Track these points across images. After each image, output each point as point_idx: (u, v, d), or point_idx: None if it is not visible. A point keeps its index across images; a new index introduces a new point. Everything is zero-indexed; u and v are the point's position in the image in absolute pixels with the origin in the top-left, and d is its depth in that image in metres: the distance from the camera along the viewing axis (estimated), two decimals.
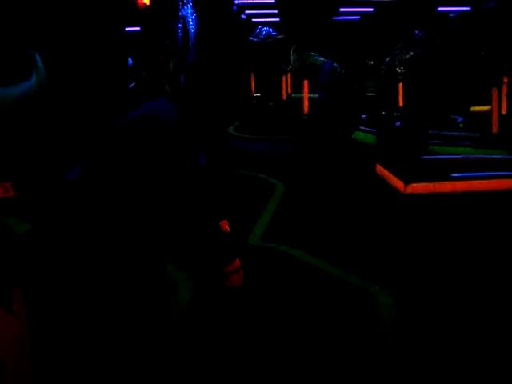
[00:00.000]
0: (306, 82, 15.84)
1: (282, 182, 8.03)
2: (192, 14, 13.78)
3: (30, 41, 3.99)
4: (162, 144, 2.27)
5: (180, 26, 12.83)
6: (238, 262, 2.49)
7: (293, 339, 3.70)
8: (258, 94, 18.51)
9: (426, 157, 8.93)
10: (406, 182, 7.47)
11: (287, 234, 5.79)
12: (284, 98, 18.22)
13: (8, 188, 2.28)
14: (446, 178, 7.57)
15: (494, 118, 10.98)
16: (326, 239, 5.66)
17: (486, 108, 11.70)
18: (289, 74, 18.73)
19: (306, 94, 15.86)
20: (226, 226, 2.79)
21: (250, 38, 19.27)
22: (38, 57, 3.00)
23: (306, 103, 15.80)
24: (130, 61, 12.97)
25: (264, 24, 20.17)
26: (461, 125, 12.01)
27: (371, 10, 21.29)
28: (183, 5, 13.10)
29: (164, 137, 2.29)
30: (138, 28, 12.46)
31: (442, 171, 7.78)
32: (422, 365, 3.38)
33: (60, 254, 2.18)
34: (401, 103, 14.75)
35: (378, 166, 8.54)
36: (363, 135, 11.58)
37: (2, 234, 2.14)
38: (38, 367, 2.35)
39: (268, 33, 19.34)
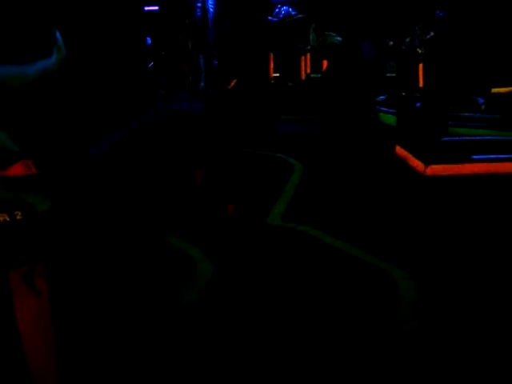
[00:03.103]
0: (325, 62, 15.71)
1: (301, 162, 8.00)
2: None
3: (51, 19, 3.97)
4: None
5: (199, 5, 12.75)
6: None
7: (312, 318, 3.69)
8: (277, 74, 18.40)
9: (447, 138, 8.84)
10: (426, 164, 7.41)
11: (307, 214, 5.77)
12: (303, 77, 18.10)
13: (30, 165, 2.28)
14: (467, 159, 7.50)
15: None
16: (345, 219, 5.63)
17: (508, 89, 11.55)
18: (308, 54, 18.59)
19: None
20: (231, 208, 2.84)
21: (269, 18, 19.13)
22: (58, 35, 2.98)
23: None
24: (149, 40, 12.94)
25: (283, 3, 19.99)
26: (482, 106, 11.86)
27: None
28: None
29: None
30: (156, 7, 12.41)
31: (462, 153, 7.70)
32: (441, 350, 3.36)
33: (81, 231, 2.18)
34: (421, 84, 14.59)
35: (397, 147, 8.48)
36: (383, 116, 11.50)
37: (25, 212, 2.14)
38: (59, 343, 2.36)
39: (287, 12, 19.18)
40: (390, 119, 11.13)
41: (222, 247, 4.93)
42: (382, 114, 11.62)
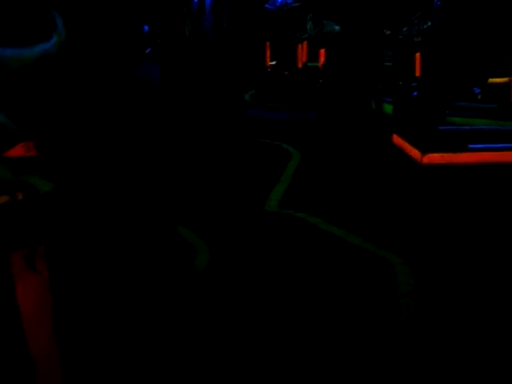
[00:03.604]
0: (322, 51, 15.68)
1: (298, 149, 8.00)
2: None
3: (50, 2, 3.95)
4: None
5: None
6: None
7: (309, 302, 3.70)
8: (274, 63, 18.36)
9: (444, 127, 8.85)
10: (423, 152, 7.42)
11: (304, 202, 5.78)
12: (300, 66, 18.06)
13: (30, 147, 2.27)
14: (464, 148, 7.50)
15: None
16: (342, 207, 5.64)
17: (505, 80, 11.56)
18: (305, 43, 18.54)
19: (322, 63, 15.69)
20: None
21: (266, 6, 19.06)
22: (58, 18, 2.98)
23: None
24: (146, 27, 12.89)
25: None
26: (479, 96, 11.88)
27: None
28: None
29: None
30: None
31: (459, 142, 7.71)
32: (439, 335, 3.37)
33: (83, 213, 2.17)
34: (418, 73, 14.58)
35: (394, 135, 8.48)
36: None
37: (26, 193, 2.13)
38: (60, 326, 2.36)
39: (284, 0, 19.12)
40: (387, 108, 11.12)
41: (219, 234, 4.93)
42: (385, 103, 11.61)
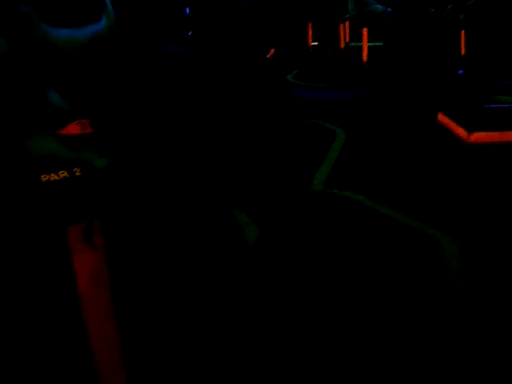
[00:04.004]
0: (365, 30, 15.53)
1: (343, 129, 7.96)
2: None
3: None
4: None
5: None
6: None
7: (357, 281, 3.72)
8: (316, 43, 18.25)
9: (491, 105, 8.71)
10: (470, 131, 7.32)
11: (349, 181, 5.77)
12: (342, 46, 17.93)
13: (86, 124, 2.32)
14: (511, 127, 7.39)
15: None
16: (388, 187, 5.62)
17: None
18: (347, 23, 18.38)
19: (365, 43, 15.56)
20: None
21: None
22: (108, 1, 3.02)
23: (365, 52, 15.51)
24: (188, 10, 12.92)
25: None
26: None
27: None
28: None
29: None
30: None
31: (507, 120, 7.60)
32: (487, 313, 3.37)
33: (138, 188, 2.22)
34: (463, 51, 14.37)
35: (440, 114, 8.39)
36: None
37: (83, 169, 2.18)
38: (117, 301, 2.41)
39: None
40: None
41: (267, 213, 4.97)
42: None
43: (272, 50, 13.28)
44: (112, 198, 2.26)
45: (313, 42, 18.37)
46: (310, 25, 18.34)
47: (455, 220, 4.70)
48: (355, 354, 3.04)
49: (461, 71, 11.72)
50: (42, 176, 2.16)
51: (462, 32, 14.51)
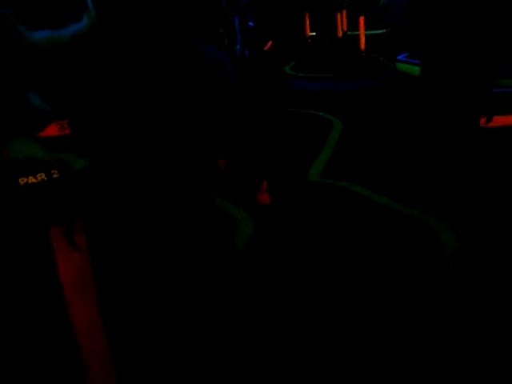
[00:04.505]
0: (362, 19, 15.49)
1: (340, 119, 7.93)
2: None
3: None
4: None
5: None
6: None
7: (358, 266, 3.70)
8: (313, 33, 18.21)
9: (498, 89, 8.65)
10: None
11: (346, 172, 5.74)
12: (340, 35, 17.88)
13: (64, 126, 2.30)
14: None
15: None
16: (387, 176, 5.58)
17: None
18: (344, 12, 18.33)
19: (362, 31, 15.51)
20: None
21: None
22: (89, 0, 3.00)
23: (362, 40, 15.47)
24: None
25: None
26: None
27: None
28: None
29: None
30: None
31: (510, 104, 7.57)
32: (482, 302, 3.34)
33: (118, 188, 2.20)
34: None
35: None
36: (406, 67, 11.25)
37: (61, 170, 2.17)
38: (102, 300, 2.40)
39: None
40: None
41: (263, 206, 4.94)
42: (405, 64, 11.36)
43: (270, 42, 13.25)
44: (92, 199, 2.24)
45: (310, 32, 18.32)
46: (307, 15, 18.29)
47: (453, 208, 4.67)
48: (350, 338, 3.03)
49: None
50: (20, 179, 2.15)
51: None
